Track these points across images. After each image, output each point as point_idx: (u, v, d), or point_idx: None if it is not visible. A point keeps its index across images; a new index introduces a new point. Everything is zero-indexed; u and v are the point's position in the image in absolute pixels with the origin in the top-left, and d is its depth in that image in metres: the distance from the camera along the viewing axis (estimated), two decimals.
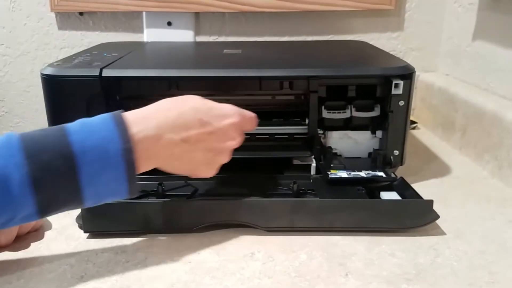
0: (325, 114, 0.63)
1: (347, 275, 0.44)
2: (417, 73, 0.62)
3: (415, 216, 0.51)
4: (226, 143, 0.49)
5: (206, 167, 0.50)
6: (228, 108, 0.50)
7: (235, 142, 0.50)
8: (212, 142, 0.48)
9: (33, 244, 0.50)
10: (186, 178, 0.59)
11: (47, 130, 0.42)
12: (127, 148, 0.42)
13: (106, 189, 0.42)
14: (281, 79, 0.60)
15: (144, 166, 0.44)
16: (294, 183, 0.56)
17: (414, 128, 0.90)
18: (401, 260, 0.47)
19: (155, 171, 0.63)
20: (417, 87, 0.93)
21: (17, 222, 0.40)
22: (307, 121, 0.63)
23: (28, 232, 0.52)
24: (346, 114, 0.63)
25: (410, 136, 0.69)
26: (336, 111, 0.63)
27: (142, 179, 0.60)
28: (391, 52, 0.88)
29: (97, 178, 0.41)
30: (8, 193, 0.38)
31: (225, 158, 0.50)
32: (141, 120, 0.44)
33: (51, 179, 0.39)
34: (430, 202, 0.51)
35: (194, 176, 0.50)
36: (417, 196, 0.54)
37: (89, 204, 0.42)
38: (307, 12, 0.92)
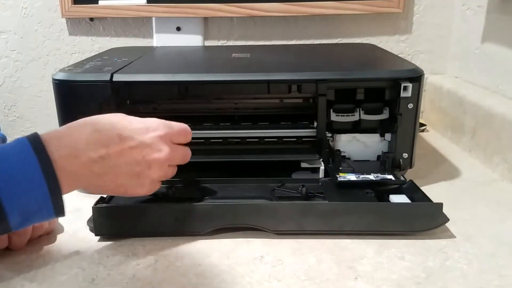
0: (334, 117, 0.63)
1: (356, 278, 0.44)
2: (425, 75, 0.62)
3: (425, 219, 0.51)
4: (152, 156, 0.47)
5: (135, 183, 0.47)
6: (151, 121, 0.48)
7: (163, 153, 0.48)
8: (135, 156, 0.46)
9: (45, 247, 0.51)
10: (196, 181, 0.60)
11: None
12: (46, 167, 0.40)
13: (32, 209, 0.41)
14: (289, 82, 0.61)
15: (65, 187, 0.42)
16: (303, 186, 0.56)
17: (423, 130, 0.90)
18: (410, 263, 0.47)
19: None
20: (425, 89, 0.93)
21: None
22: (315, 124, 0.64)
23: (41, 236, 0.52)
24: (354, 117, 0.63)
25: (419, 139, 0.69)
26: (345, 114, 0.63)
27: None
28: (399, 55, 0.88)
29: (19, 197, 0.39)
30: None
31: (156, 172, 0.48)
32: (54, 140, 0.42)
33: None
34: (440, 205, 0.51)
35: (126, 195, 0.48)
36: (427, 199, 0.54)
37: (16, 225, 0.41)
38: (315, 16, 0.93)
